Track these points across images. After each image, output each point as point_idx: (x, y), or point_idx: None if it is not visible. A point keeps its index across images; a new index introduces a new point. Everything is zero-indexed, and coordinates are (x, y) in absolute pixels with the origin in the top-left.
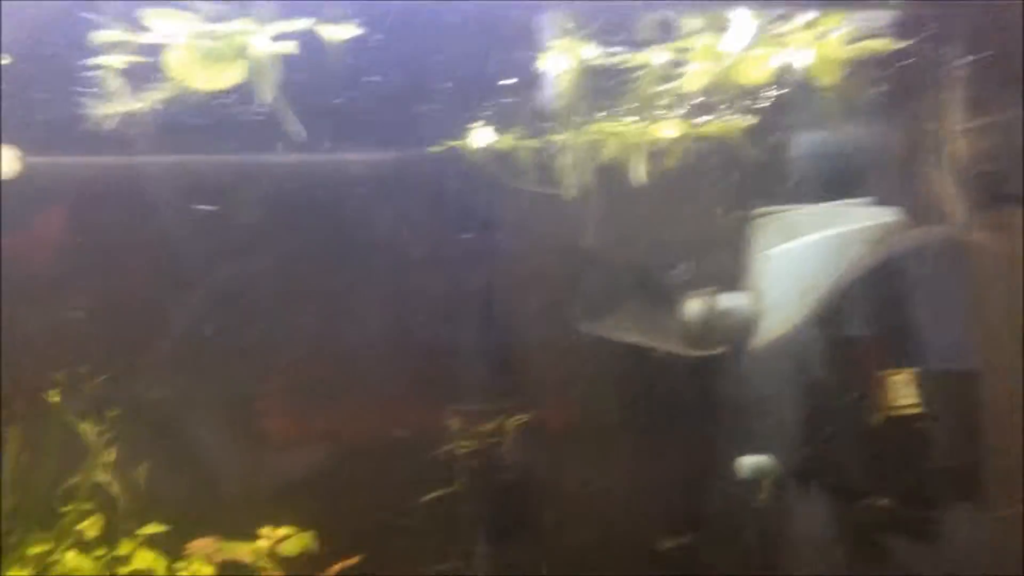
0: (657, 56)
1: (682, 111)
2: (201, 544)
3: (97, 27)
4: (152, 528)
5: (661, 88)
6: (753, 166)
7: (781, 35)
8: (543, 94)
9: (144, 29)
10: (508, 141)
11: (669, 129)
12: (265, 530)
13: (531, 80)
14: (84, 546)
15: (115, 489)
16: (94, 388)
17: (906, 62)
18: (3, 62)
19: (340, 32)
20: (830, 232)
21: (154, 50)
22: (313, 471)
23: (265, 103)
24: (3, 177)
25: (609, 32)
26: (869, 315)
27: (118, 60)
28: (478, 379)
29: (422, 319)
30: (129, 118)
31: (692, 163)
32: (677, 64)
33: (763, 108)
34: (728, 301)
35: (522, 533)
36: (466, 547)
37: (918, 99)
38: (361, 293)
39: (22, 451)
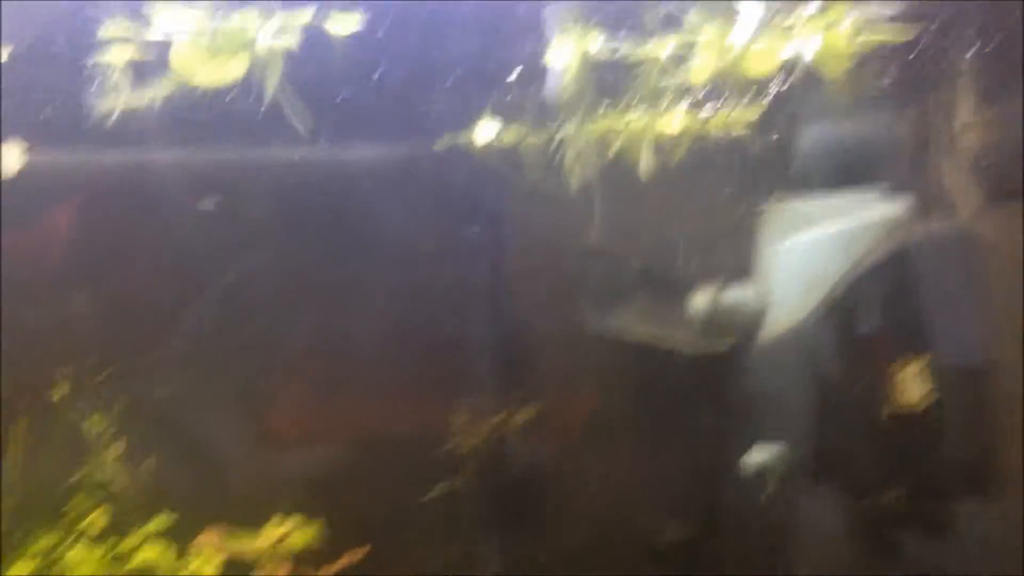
0: (663, 48)
1: (689, 103)
2: (207, 537)
3: (101, 23)
4: (158, 522)
5: (667, 80)
6: (761, 158)
7: (789, 27)
8: (549, 87)
9: (148, 25)
10: (514, 135)
11: (676, 122)
12: (271, 523)
13: (537, 73)
14: (90, 540)
15: (121, 483)
16: (100, 382)
17: (915, 52)
18: (4, 58)
19: (344, 26)
20: (839, 225)
21: (158, 45)
22: (318, 465)
23: (269, 98)
24: (9, 172)
25: (615, 24)
26: (878, 308)
27: (122, 55)
28: (484, 374)
29: (428, 314)
30: (132, 113)
31: (699, 156)
32: (683, 56)
33: (770, 100)
34: (736, 295)
35: (528, 528)
36: (471, 542)
37: (928, 90)
38: (366, 288)
39: (27, 445)
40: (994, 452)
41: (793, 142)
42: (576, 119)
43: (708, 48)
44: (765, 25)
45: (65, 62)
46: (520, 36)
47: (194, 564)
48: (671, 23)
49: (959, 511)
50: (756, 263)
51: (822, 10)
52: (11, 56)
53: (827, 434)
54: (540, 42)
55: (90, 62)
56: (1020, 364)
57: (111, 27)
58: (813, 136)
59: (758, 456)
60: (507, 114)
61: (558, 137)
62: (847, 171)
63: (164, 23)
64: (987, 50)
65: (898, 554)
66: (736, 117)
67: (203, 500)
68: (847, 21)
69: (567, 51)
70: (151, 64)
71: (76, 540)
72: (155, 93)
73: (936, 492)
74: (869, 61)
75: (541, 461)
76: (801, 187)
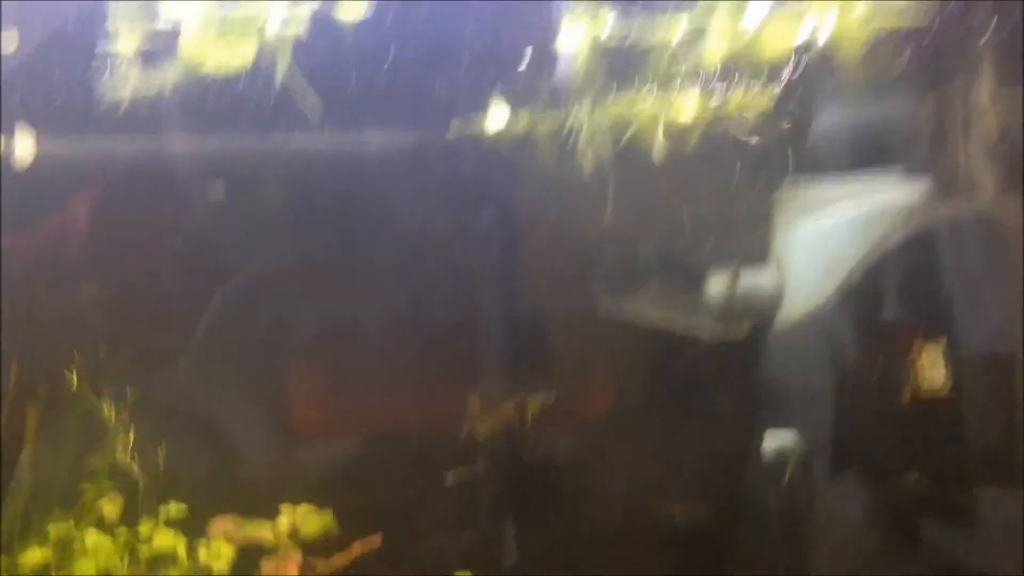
0: (675, 31)
1: (702, 85)
2: (221, 523)
3: (109, 11)
4: (173, 507)
5: (680, 62)
6: (776, 143)
7: (802, 10)
8: (560, 72)
9: (156, 14)
10: (525, 121)
11: (689, 104)
12: (286, 509)
13: (548, 59)
14: (105, 525)
15: (134, 471)
16: (112, 371)
17: (931, 35)
18: (13, 48)
19: (353, 13)
20: (856, 209)
21: (167, 34)
22: (332, 453)
23: (279, 85)
24: (21, 162)
25: (625, 8)
26: (897, 293)
27: (131, 44)
28: (498, 361)
29: (441, 301)
30: (142, 102)
31: (714, 140)
32: (695, 39)
33: (786, 81)
34: (752, 279)
35: (544, 515)
36: (487, 529)
37: (945, 73)
38: (379, 276)
39: (41, 432)
40: (1016, 438)
41: (809, 126)
42: (587, 104)
43: (720, 31)
44: (778, 7)
45: (75, 51)
46: (530, 21)
47: (207, 551)
48: (683, 6)
49: (980, 497)
50: (772, 248)
51: None
52: (20, 46)
53: (846, 419)
54: (550, 27)
55: (100, 51)
56: None
57: (120, 15)
58: (829, 120)
59: (777, 442)
60: (518, 100)
61: (570, 123)
62: (864, 155)
63: (172, 11)
64: (1004, 33)
65: (918, 540)
66: (750, 101)
67: (216, 488)
68: (861, 4)
69: (577, 35)
70: (160, 52)
71: (90, 527)
72: (164, 81)
73: (956, 478)
74: (884, 44)
75: (556, 447)
76: (817, 171)
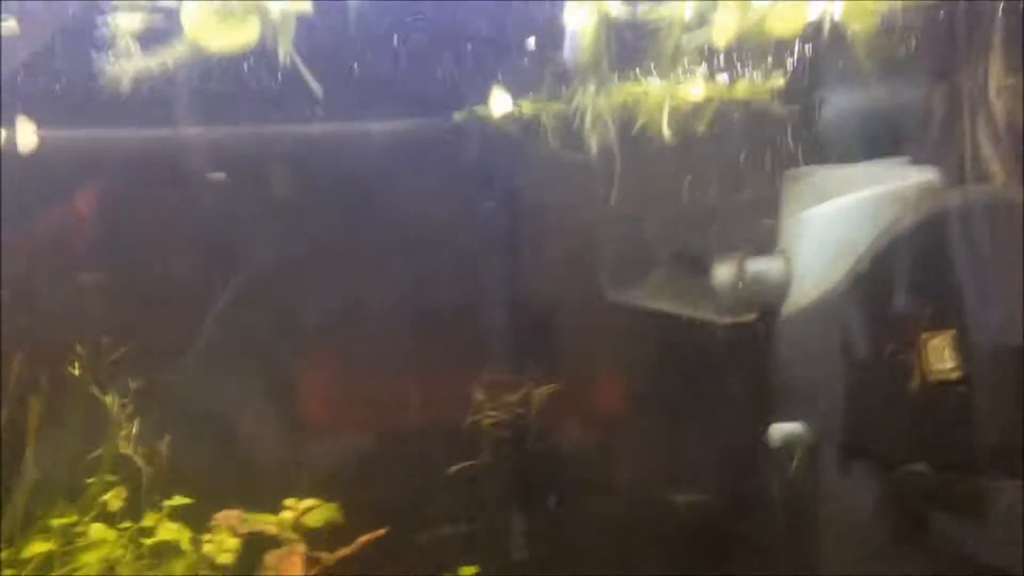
0: (683, 9)
1: (710, 68)
2: (225, 515)
3: None
4: (177, 500)
5: (687, 43)
6: (785, 125)
7: None
8: (567, 52)
9: None
10: (532, 105)
11: (697, 88)
12: (290, 502)
13: (555, 38)
14: (109, 518)
15: (138, 463)
16: (117, 360)
17: (944, 13)
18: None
19: None
20: (866, 193)
21: (168, 11)
22: (337, 444)
23: (283, 62)
24: (22, 150)
25: None
26: (908, 278)
27: (132, 22)
28: (503, 349)
29: (446, 289)
30: (144, 82)
31: (721, 123)
32: (704, 18)
33: (795, 64)
34: (760, 265)
35: (549, 505)
36: (492, 520)
37: (958, 53)
38: (384, 264)
39: (45, 423)
40: None
41: (819, 108)
42: (593, 86)
43: (729, 10)
44: None
45: (76, 35)
46: (536, 3)
47: (212, 544)
48: None
49: (988, 488)
50: (781, 233)
51: None
52: (21, 28)
53: (853, 407)
54: (557, 6)
55: (101, 34)
56: None
57: None
58: (840, 102)
59: (784, 430)
60: (523, 83)
61: (576, 104)
62: (875, 138)
63: None
64: (1013, 18)
65: (924, 529)
66: (760, 84)
67: (220, 480)
68: None
69: (584, 13)
70: (162, 30)
71: (94, 519)
72: (167, 59)
73: (964, 468)
74: (896, 21)
75: (562, 437)
76: (827, 154)
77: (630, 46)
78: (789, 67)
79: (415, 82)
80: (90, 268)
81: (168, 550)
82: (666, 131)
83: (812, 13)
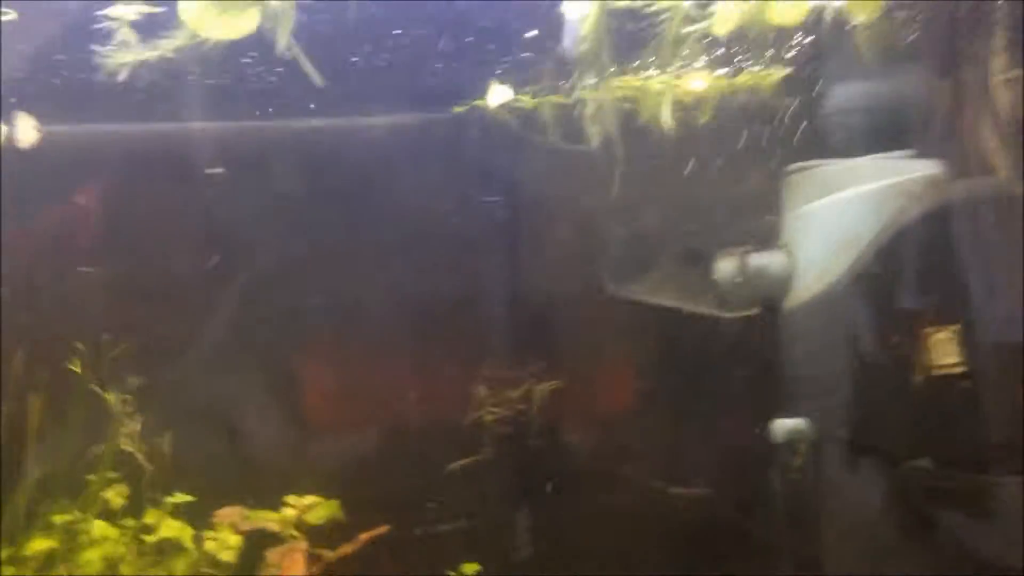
0: None
1: (711, 59)
2: (227, 513)
3: None
4: (179, 497)
5: (688, 33)
6: (787, 118)
7: None
8: (566, 45)
9: None
10: (532, 97)
11: (698, 80)
12: (291, 499)
13: (555, 31)
14: (110, 515)
15: (141, 459)
16: (117, 356)
17: (947, 2)
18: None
19: None
20: (868, 186)
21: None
22: (339, 441)
23: (281, 55)
24: (22, 147)
25: None
26: (910, 271)
27: (130, 11)
28: (504, 344)
29: (446, 283)
30: (143, 73)
31: (723, 116)
32: (705, 6)
33: (797, 56)
34: (762, 260)
35: (552, 501)
36: (494, 514)
37: (960, 44)
38: (384, 258)
39: (46, 420)
40: None
41: (821, 101)
42: (594, 76)
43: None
44: None
45: (73, 20)
46: None
47: (214, 541)
48: None
49: (993, 483)
50: (783, 227)
51: None
52: (20, 18)
53: (858, 401)
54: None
55: (99, 25)
56: None
57: None
58: (841, 94)
59: (788, 424)
60: (526, 75)
61: (576, 95)
62: (877, 131)
63: None
64: (1017, 11)
65: (928, 523)
66: (762, 75)
67: (222, 477)
68: None
69: (584, 6)
70: (161, 22)
71: (96, 516)
72: (166, 50)
73: (968, 460)
74: (899, 11)
75: (563, 434)
76: (830, 148)
77: (631, 37)
78: (792, 58)
79: (415, 74)
80: (90, 264)
81: (170, 547)
82: (667, 123)
83: (814, 2)
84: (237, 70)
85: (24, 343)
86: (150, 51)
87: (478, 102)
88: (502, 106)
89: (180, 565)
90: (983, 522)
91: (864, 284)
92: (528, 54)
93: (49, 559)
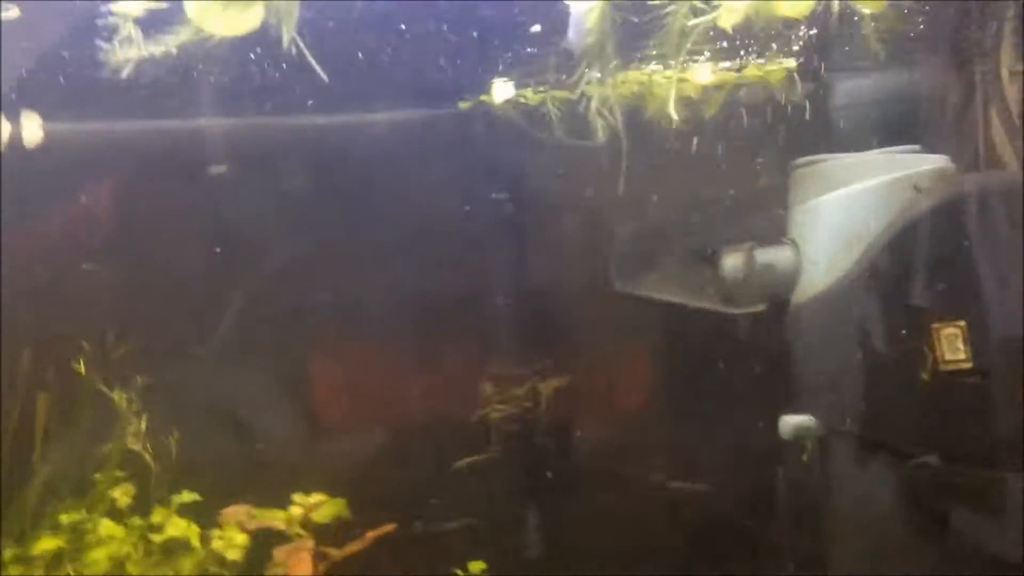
0: None
1: (717, 53)
2: (234, 511)
3: None
4: (185, 496)
5: (694, 26)
6: (794, 112)
7: None
8: (570, 38)
9: None
10: (537, 92)
11: (704, 73)
12: (298, 497)
13: (560, 26)
14: (117, 514)
15: (147, 458)
16: (123, 356)
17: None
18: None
19: None
20: (876, 180)
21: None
22: (346, 440)
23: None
24: (27, 146)
25: None
26: (919, 267)
27: (135, 8)
28: (510, 341)
29: (452, 280)
30: (147, 69)
31: (729, 111)
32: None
33: (805, 48)
34: (768, 255)
35: (559, 499)
36: (501, 512)
37: (970, 37)
38: (390, 255)
39: (53, 419)
40: None
41: (829, 94)
42: (599, 70)
43: None
44: None
45: (77, 16)
46: None
47: (220, 539)
48: None
49: (1001, 479)
50: (789, 222)
51: None
52: (25, 15)
53: (865, 396)
54: None
55: (103, 22)
56: None
57: None
58: (849, 88)
59: (795, 420)
60: (530, 68)
61: (581, 90)
62: (885, 123)
63: None
64: None
65: (936, 520)
66: (768, 68)
67: (229, 476)
68: None
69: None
70: (165, 15)
71: (103, 515)
72: (170, 46)
73: (977, 458)
74: (907, 3)
75: (571, 431)
76: (838, 141)
77: (636, 30)
78: (799, 49)
79: (420, 70)
80: (95, 262)
81: (177, 546)
82: (673, 117)
83: None
84: (242, 66)
85: (31, 342)
86: (154, 47)
87: (483, 98)
88: (507, 101)
89: (187, 564)
90: (991, 518)
91: (872, 279)
92: (533, 49)
93: (56, 558)
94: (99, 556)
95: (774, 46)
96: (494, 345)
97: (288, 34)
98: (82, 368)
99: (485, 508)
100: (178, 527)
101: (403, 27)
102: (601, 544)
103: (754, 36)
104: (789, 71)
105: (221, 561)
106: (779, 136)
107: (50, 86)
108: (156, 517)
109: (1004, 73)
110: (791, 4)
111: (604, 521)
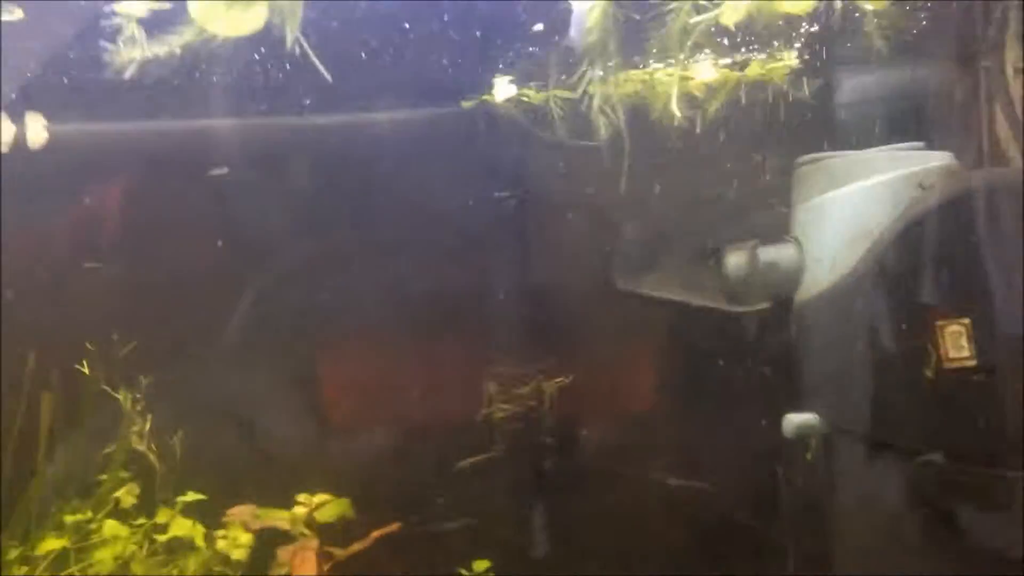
0: None
1: (720, 50)
2: (238, 511)
3: None
4: (190, 496)
5: (696, 23)
6: (797, 109)
7: None
8: (572, 36)
9: None
10: (539, 92)
11: (706, 71)
12: (302, 497)
13: (562, 24)
14: (122, 514)
15: (152, 458)
16: (128, 356)
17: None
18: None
19: None
20: (880, 178)
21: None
22: (351, 440)
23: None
24: (31, 146)
25: None
26: (923, 264)
27: (139, 8)
28: (513, 340)
29: (455, 280)
30: (151, 70)
31: (732, 108)
32: None
33: (808, 45)
34: (772, 253)
35: (564, 495)
36: (505, 511)
37: (975, 33)
38: (393, 255)
39: (58, 420)
40: None
41: (832, 91)
42: (601, 68)
43: None
44: None
45: (81, 17)
46: None
47: (225, 539)
48: None
49: (1006, 477)
50: (794, 219)
51: None
52: (28, 15)
53: (870, 394)
54: None
55: (107, 22)
56: None
57: None
58: (852, 84)
59: (799, 419)
60: (532, 67)
61: (583, 88)
62: (889, 120)
63: None
64: None
65: (941, 518)
66: (771, 66)
67: (233, 476)
68: None
69: None
70: (168, 16)
71: (108, 515)
72: (173, 47)
73: (982, 456)
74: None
75: (575, 430)
76: (842, 139)
77: (638, 28)
78: (802, 46)
79: (422, 69)
80: (100, 261)
81: (182, 546)
82: (676, 115)
83: None
84: (245, 67)
85: (36, 343)
86: (158, 48)
87: (485, 97)
88: (509, 100)
89: (191, 564)
90: (996, 516)
91: (876, 277)
92: (535, 48)
93: (61, 558)
94: (104, 556)
95: (776, 43)
96: (498, 344)
97: (292, 34)
98: (86, 368)
99: (489, 507)
100: (183, 527)
101: (406, 27)
102: (606, 543)
103: (756, 33)
104: (792, 68)
105: (226, 561)
106: (782, 134)
107: (54, 87)
108: (161, 517)
109: (1008, 69)
110: (793, 1)
111: (608, 520)
